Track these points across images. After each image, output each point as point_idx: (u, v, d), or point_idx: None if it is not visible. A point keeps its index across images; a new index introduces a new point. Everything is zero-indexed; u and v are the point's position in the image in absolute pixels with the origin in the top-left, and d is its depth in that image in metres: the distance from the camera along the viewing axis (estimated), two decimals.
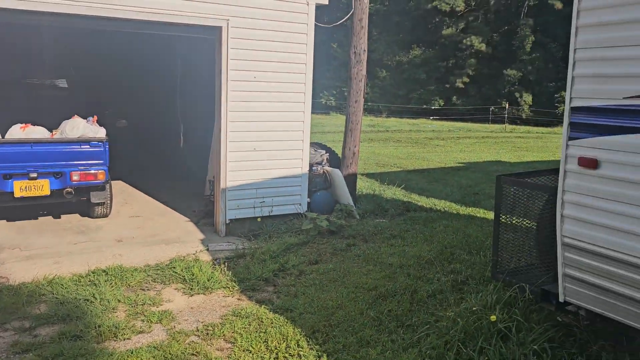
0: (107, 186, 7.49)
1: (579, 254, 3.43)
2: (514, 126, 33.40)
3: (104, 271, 5.57)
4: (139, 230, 7.33)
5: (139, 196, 9.32)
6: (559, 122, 34.61)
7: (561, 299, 3.63)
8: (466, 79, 40.68)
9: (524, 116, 37.88)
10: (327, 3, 7.30)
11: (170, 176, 11.06)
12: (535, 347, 3.73)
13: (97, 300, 4.86)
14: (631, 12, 3.01)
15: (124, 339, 4.26)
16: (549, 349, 3.73)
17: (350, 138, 8.37)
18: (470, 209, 8.71)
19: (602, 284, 3.32)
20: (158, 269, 5.80)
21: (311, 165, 7.77)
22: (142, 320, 4.61)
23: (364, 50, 8.15)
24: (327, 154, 8.17)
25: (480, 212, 8.45)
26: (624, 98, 3.09)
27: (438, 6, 41.01)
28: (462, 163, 14.92)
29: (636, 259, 3.10)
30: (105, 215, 7.77)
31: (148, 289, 5.32)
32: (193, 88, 11.11)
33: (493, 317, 3.86)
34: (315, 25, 7.31)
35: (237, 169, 7.10)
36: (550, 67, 38.63)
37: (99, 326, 4.36)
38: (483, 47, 39.96)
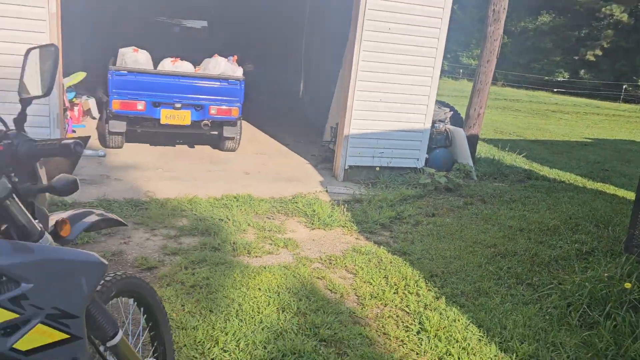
0: (239, 123, 8.01)
1: None
2: None
3: (235, 198, 6.06)
4: (263, 166, 7.82)
5: (261, 137, 9.86)
6: None
7: None
8: (599, 52, 37.29)
9: None
10: None
11: (290, 122, 11.51)
12: None
13: (230, 222, 5.34)
14: None
15: (256, 257, 4.68)
16: None
17: (477, 98, 8.17)
18: (599, 184, 8.22)
19: None
20: (282, 202, 6.20)
21: (433, 122, 7.73)
22: (270, 244, 5.01)
23: (504, 9, 7.80)
24: (451, 112, 8.06)
25: (610, 189, 7.95)
26: None
27: None
28: (589, 138, 13.95)
29: None
30: (234, 150, 8.35)
31: (273, 218, 5.73)
32: (318, 37, 11.29)
33: (627, 285, 3.75)
34: None
35: (361, 118, 7.25)
36: None
37: (234, 242, 4.82)
38: (625, 17, 36.18)
